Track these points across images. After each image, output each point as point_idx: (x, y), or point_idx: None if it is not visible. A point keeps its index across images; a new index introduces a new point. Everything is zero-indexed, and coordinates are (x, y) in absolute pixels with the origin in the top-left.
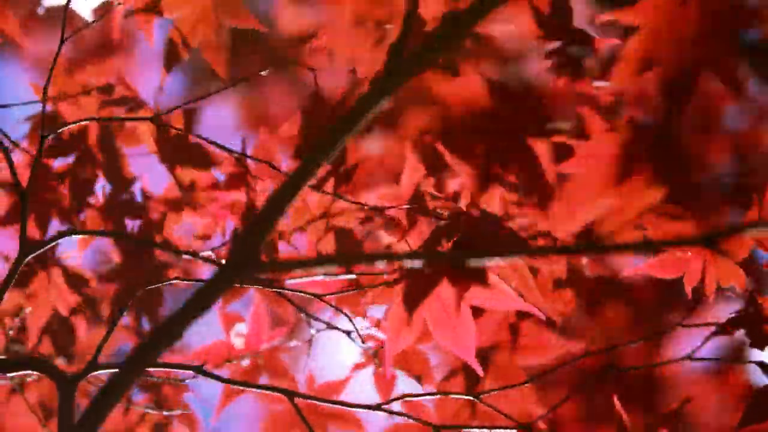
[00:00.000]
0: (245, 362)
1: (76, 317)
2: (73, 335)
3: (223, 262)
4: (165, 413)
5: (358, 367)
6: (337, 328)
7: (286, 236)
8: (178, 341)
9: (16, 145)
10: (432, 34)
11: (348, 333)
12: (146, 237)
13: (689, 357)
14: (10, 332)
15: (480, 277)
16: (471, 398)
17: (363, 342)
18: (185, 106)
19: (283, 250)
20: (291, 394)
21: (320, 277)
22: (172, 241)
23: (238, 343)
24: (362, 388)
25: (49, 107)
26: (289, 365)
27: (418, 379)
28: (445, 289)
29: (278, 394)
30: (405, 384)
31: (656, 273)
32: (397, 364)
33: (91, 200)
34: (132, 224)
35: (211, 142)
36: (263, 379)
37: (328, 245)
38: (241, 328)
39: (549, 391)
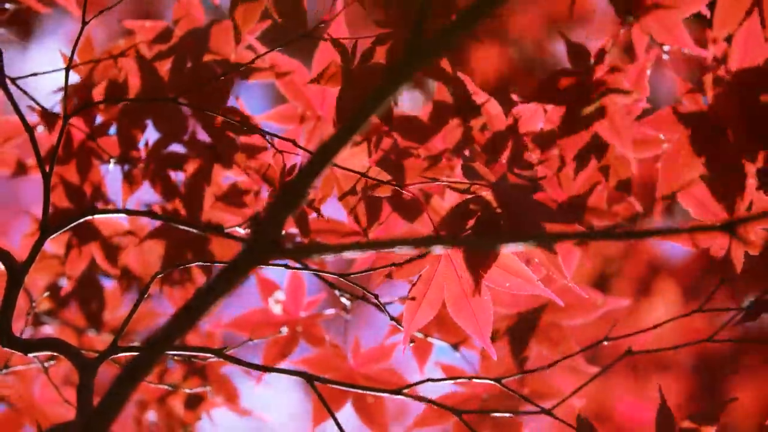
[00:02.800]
0: (284, 331)
1: (112, 288)
2: (103, 307)
3: (245, 244)
4: (187, 391)
5: (390, 335)
6: (367, 301)
7: (317, 204)
8: (199, 323)
9: (47, 113)
10: (450, 19)
11: (378, 306)
12: (193, 189)
13: (711, 339)
14: (34, 305)
15: (501, 259)
16: (492, 382)
17: (390, 316)
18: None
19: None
20: (310, 378)
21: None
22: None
23: (276, 310)
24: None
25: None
26: (329, 333)
27: (455, 347)
28: (465, 270)
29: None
30: (443, 352)
31: (682, 243)
32: (435, 331)
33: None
34: (176, 176)
35: (235, 121)
36: (302, 348)
37: (362, 214)
38: (279, 295)
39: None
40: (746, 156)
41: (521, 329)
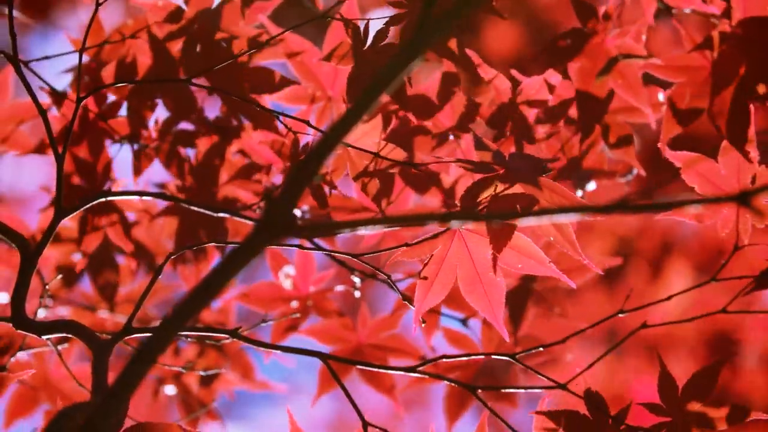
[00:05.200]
0: (295, 305)
1: (125, 265)
2: (117, 284)
3: (258, 223)
4: (202, 373)
5: (398, 308)
6: (377, 279)
7: (331, 181)
8: (212, 302)
9: (60, 95)
10: None
11: (389, 284)
12: (205, 166)
13: (723, 310)
14: (47, 287)
15: (514, 240)
16: (507, 358)
17: (402, 294)
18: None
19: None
20: (324, 357)
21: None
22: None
23: (286, 285)
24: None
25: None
26: (338, 306)
27: (464, 322)
28: (477, 250)
29: (313, 356)
30: (451, 323)
31: (689, 218)
32: (444, 304)
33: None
34: (186, 152)
35: (246, 100)
36: (312, 320)
37: (375, 191)
38: (289, 269)
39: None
40: (750, 99)
41: (518, 294)
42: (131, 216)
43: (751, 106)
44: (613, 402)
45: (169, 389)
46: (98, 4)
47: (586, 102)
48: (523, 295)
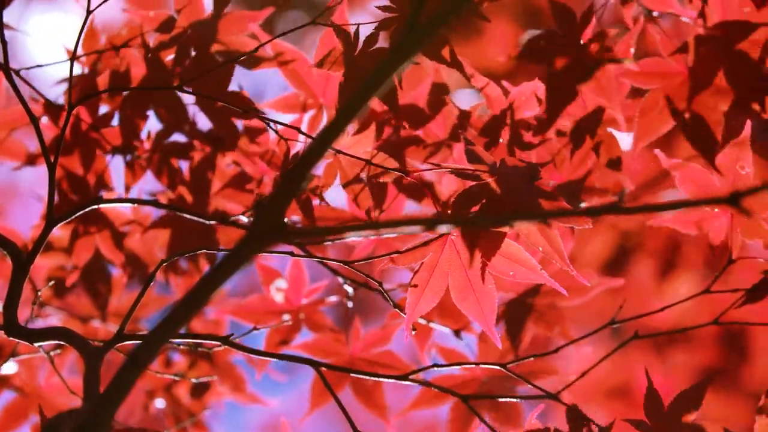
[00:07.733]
0: (286, 318)
1: (119, 276)
2: (109, 295)
3: (249, 230)
4: (193, 380)
5: (390, 321)
6: (369, 288)
7: (320, 192)
8: (203, 309)
9: (52, 104)
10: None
11: (381, 293)
12: (198, 177)
13: (715, 322)
14: (39, 294)
15: (505, 248)
16: (498, 367)
17: (393, 303)
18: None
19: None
20: (316, 364)
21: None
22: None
23: (277, 298)
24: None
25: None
26: (330, 319)
27: (456, 333)
28: (468, 257)
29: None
30: (443, 337)
31: (680, 227)
32: (436, 316)
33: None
34: (179, 164)
35: (239, 108)
36: (304, 335)
37: (366, 200)
38: (280, 283)
39: None
40: (734, 107)
41: (517, 312)
42: (124, 228)
43: (749, 121)
44: (618, 393)
45: (159, 402)
46: (89, 12)
47: (558, 103)
48: (521, 311)
